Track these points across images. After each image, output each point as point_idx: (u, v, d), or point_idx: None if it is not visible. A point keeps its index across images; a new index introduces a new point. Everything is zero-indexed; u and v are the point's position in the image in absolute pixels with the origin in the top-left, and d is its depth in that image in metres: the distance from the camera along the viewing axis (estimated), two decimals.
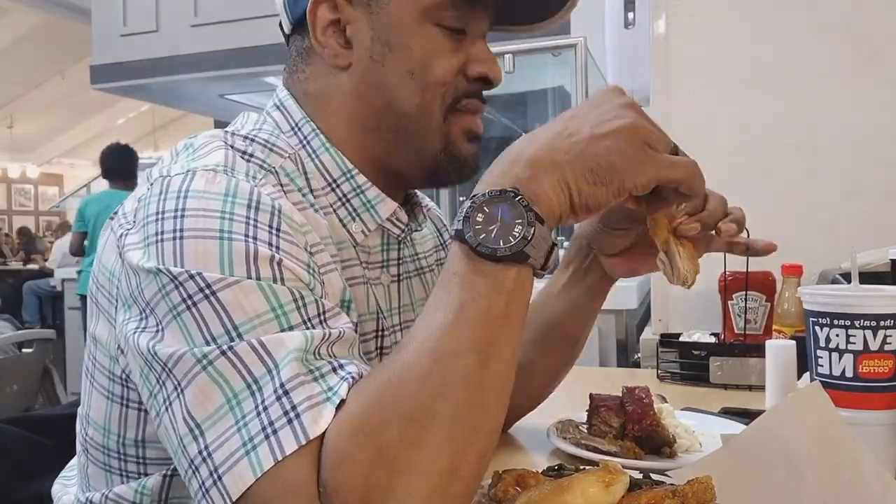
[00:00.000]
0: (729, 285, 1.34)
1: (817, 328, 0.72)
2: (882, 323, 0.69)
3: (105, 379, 0.65)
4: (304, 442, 0.48)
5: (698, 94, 1.59)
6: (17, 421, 0.88)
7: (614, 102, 0.58)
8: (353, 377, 0.52)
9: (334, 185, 0.70)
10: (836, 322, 0.70)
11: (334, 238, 0.68)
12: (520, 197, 0.53)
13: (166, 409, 0.53)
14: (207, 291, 0.53)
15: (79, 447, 0.71)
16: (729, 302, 1.35)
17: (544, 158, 0.55)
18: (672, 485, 0.59)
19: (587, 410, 0.92)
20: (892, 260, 1.09)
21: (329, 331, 0.55)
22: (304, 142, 0.70)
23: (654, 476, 0.63)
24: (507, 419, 0.94)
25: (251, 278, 0.54)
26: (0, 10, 7.12)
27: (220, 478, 0.49)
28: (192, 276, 0.53)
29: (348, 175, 0.70)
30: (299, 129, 0.71)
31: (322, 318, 0.56)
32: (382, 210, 0.72)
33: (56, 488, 0.76)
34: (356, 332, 0.61)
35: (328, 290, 0.62)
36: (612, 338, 1.89)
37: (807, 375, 0.78)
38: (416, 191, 0.82)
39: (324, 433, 0.49)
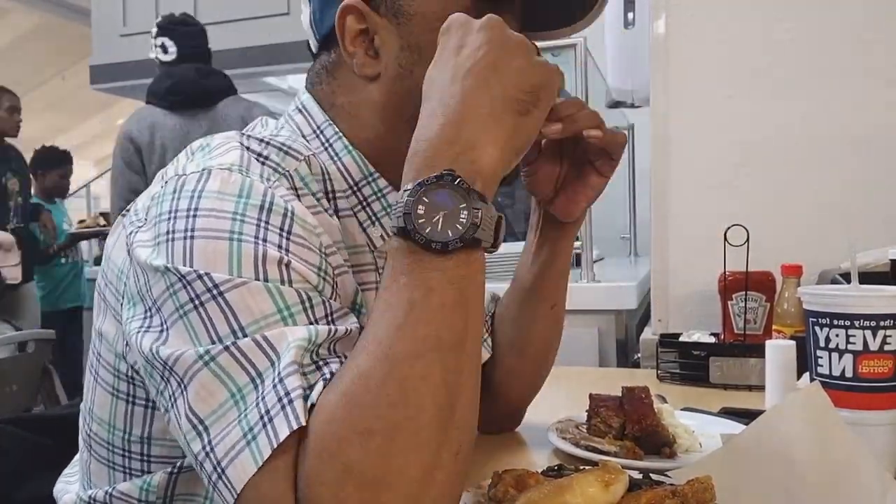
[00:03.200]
0: (729, 285, 1.34)
1: (817, 328, 0.72)
2: (882, 323, 0.69)
3: (110, 376, 0.65)
4: (295, 426, 0.48)
5: (698, 94, 1.59)
6: (17, 421, 0.88)
7: (464, 35, 0.58)
8: (325, 379, 0.51)
9: (356, 188, 0.70)
10: (835, 322, 0.70)
11: (347, 242, 0.68)
12: (458, 179, 0.52)
13: (172, 405, 0.53)
14: (215, 292, 0.53)
15: (81, 443, 0.71)
16: (729, 302, 1.35)
17: (469, 119, 0.55)
18: (672, 485, 0.59)
19: (587, 410, 0.92)
20: (892, 260, 1.09)
21: (335, 328, 0.54)
22: (327, 144, 0.70)
23: (654, 476, 0.63)
24: (516, 406, 0.97)
25: (259, 280, 0.54)
26: (0, 11, 7.12)
27: (223, 471, 0.49)
28: (200, 276, 0.53)
29: (370, 178, 0.71)
30: (322, 131, 0.71)
31: (329, 318, 0.56)
32: None
33: (58, 487, 0.75)
34: None
35: (341, 291, 0.61)
36: (612, 338, 1.88)
37: (807, 375, 0.78)
38: None
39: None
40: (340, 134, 0.71)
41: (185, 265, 0.54)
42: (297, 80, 4.46)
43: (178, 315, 0.54)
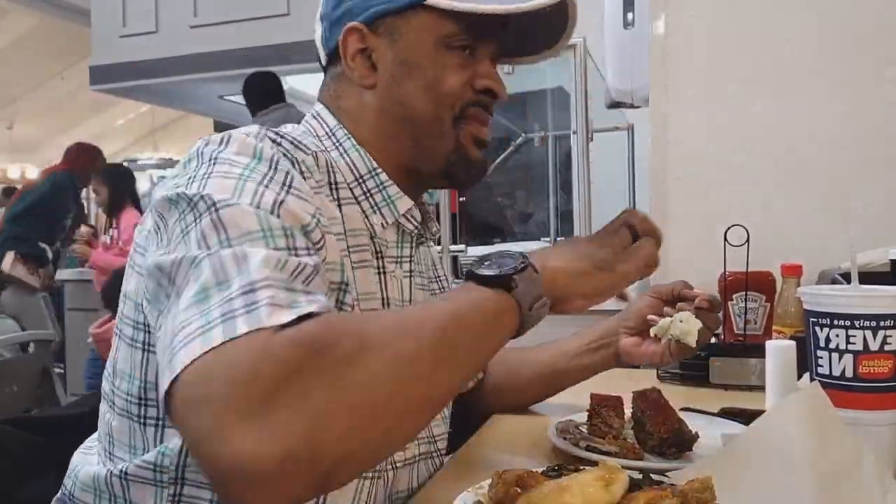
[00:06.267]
0: (729, 286, 1.34)
1: (817, 328, 0.72)
2: (882, 323, 0.69)
3: (130, 329, 0.70)
4: (255, 327, 0.48)
5: (697, 94, 1.59)
6: (17, 421, 0.88)
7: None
8: (322, 306, 0.52)
9: (361, 181, 0.80)
10: (836, 322, 0.70)
11: (346, 225, 0.76)
12: (525, 259, 0.66)
13: (164, 310, 0.56)
14: (213, 209, 0.59)
15: (104, 406, 0.74)
16: (729, 302, 1.35)
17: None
18: (672, 485, 0.59)
19: (587, 410, 0.92)
20: (892, 260, 1.10)
21: (305, 263, 0.57)
22: (338, 143, 0.81)
23: (654, 476, 0.63)
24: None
25: (251, 206, 0.59)
26: (0, 11, 7.12)
27: (172, 356, 0.49)
28: (202, 197, 0.60)
29: (373, 172, 0.81)
30: (333, 133, 0.82)
31: (308, 252, 0.60)
32: (400, 206, 0.81)
33: (76, 459, 0.77)
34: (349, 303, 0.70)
35: (328, 244, 0.68)
36: None
37: (807, 375, 0.78)
38: (429, 210, 0.91)
39: (277, 327, 0.49)
40: (349, 134, 0.81)
41: (194, 191, 0.61)
42: (297, 80, 4.47)
43: (181, 235, 0.59)
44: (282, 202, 0.61)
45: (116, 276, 3.44)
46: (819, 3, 1.52)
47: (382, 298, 0.80)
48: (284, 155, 0.69)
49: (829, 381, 0.71)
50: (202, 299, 0.52)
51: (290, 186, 0.64)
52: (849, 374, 0.70)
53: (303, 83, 4.63)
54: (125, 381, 0.71)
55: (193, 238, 0.58)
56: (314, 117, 0.84)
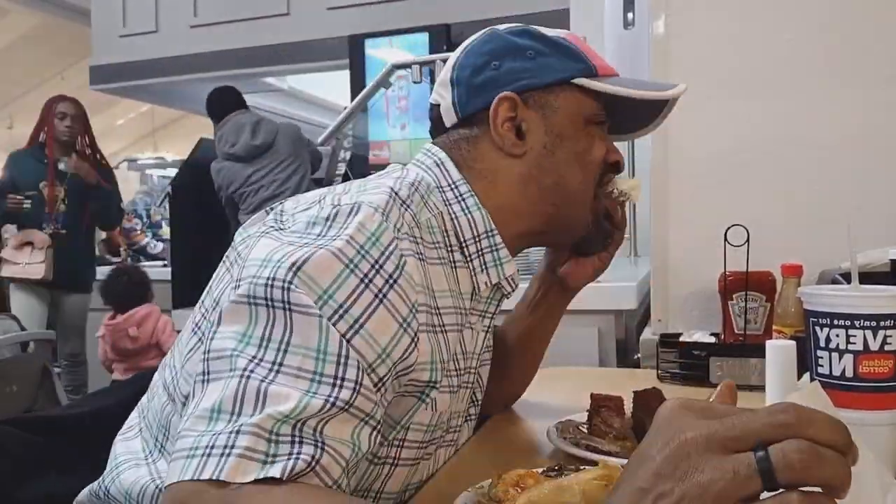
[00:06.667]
0: (729, 285, 1.34)
1: (817, 328, 0.72)
2: (882, 323, 0.69)
3: (205, 322, 0.74)
4: (215, 476, 0.53)
5: (698, 94, 1.59)
6: (17, 421, 0.88)
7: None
8: (304, 460, 0.55)
9: (477, 238, 0.83)
10: (836, 322, 0.70)
11: (451, 287, 0.79)
12: None
13: (192, 397, 0.61)
14: (290, 307, 0.62)
15: (163, 397, 0.76)
16: (729, 302, 1.35)
17: None
18: None
19: (587, 410, 0.92)
20: (891, 260, 1.09)
21: (333, 405, 0.59)
22: (460, 197, 0.83)
23: None
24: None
25: (335, 314, 0.62)
26: (0, 11, 7.12)
27: (172, 461, 0.56)
28: (282, 287, 0.62)
29: (490, 233, 0.83)
30: (456, 186, 0.84)
31: (355, 386, 0.60)
32: (507, 269, 0.85)
33: (119, 450, 0.78)
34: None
35: (421, 346, 0.69)
36: (612, 338, 1.88)
37: (807, 375, 0.78)
38: None
39: (236, 485, 0.53)
40: (473, 192, 0.84)
41: (292, 271, 0.63)
42: (297, 80, 4.46)
43: (253, 305, 0.62)
44: (363, 324, 0.63)
45: (115, 273, 3.45)
46: (819, 3, 1.51)
47: (457, 354, 0.81)
48: (413, 217, 0.73)
49: (829, 381, 0.71)
50: (209, 418, 0.57)
51: (395, 282, 0.66)
52: (849, 374, 0.70)
53: (303, 83, 4.61)
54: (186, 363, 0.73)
55: (262, 323, 0.61)
56: (437, 165, 0.85)
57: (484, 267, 0.83)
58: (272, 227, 0.71)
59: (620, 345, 1.90)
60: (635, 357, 1.61)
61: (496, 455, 0.89)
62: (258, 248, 0.67)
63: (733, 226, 1.22)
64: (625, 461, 0.76)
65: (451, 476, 0.81)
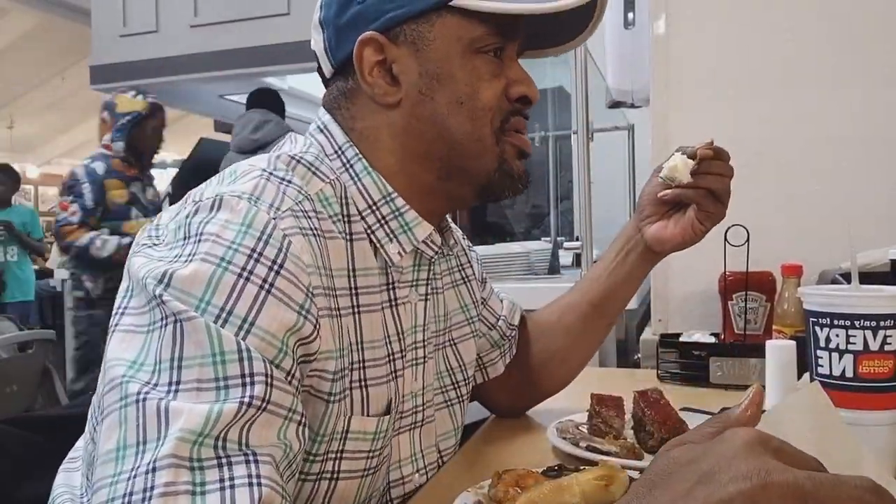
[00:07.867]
0: (729, 285, 1.34)
1: (817, 328, 0.72)
2: (882, 323, 0.69)
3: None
4: None
5: (698, 94, 1.59)
6: (17, 421, 0.88)
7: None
8: (242, 483, 0.50)
9: (374, 208, 0.73)
10: (836, 322, 0.70)
11: (357, 266, 0.70)
12: None
13: (95, 445, 0.55)
14: (177, 319, 0.55)
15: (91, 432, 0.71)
16: (729, 302, 1.35)
17: None
18: None
19: (587, 410, 0.92)
20: (892, 260, 1.09)
21: (251, 400, 0.53)
22: (348, 164, 0.73)
23: None
24: (530, 404, 1.06)
25: (218, 318, 0.55)
26: (0, 11, 7.12)
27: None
28: (164, 302, 0.56)
29: (388, 198, 0.73)
30: (343, 152, 0.74)
31: (266, 378, 0.55)
32: (419, 232, 0.75)
33: (60, 481, 0.74)
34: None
35: (322, 332, 0.62)
36: (612, 338, 1.88)
37: (807, 375, 0.78)
38: (448, 223, 0.86)
39: None
40: (361, 155, 0.73)
41: (162, 285, 0.56)
42: (297, 80, 4.46)
43: (146, 330, 0.56)
44: (253, 321, 0.56)
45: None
46: (819, 3, 1.51)
47: (386, 337, 0.73)
48: (299, 191, 0.65)
49: (829, 381, 0.71)
50: (115, 458, 0.50)
51: (281, 266, 0.59)
52: (849, 374, 0.70)
53: (303, 83, 4.62)
54: None
55: (153, 347, 0.55)
56: (321, 130, 0.76)
57: (392, 236, 0.73)
58: (145, 244, 0.63)
59: (620, 345, 1.90)
60: (635, 357, 1.61)
61: (496, 455, 0.89)
62: (131, 270, 0.61)
63: (733, 226, 1.22)
64: (625, 461, 0.77)
65: (451, 476, 0.81)
